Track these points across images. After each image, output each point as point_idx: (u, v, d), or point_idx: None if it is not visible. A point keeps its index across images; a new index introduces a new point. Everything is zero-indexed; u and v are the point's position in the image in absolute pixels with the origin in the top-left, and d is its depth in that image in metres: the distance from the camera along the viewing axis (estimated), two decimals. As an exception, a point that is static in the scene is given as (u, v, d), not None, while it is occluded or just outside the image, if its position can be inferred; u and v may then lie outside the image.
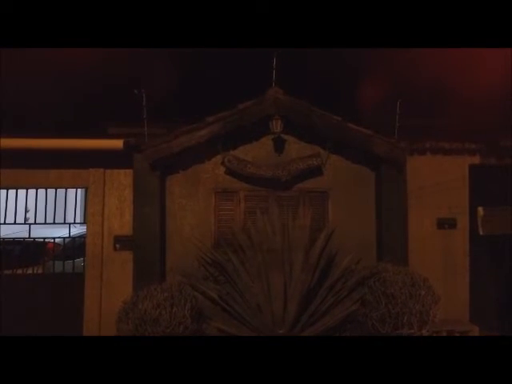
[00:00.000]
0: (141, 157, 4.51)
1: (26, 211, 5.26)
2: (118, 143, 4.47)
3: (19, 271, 4.97)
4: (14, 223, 5.07)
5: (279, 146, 4.81)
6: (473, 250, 5.06)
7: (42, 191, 5.03)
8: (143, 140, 4.50)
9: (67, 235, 5.22)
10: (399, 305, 3.66)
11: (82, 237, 5.19)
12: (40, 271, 5.06)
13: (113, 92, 5.01)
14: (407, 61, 5.23)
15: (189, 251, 4.56)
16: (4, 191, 5.01)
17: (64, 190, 5.04)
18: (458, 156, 5.05)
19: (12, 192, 5.00)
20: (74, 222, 5.21)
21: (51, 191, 5.02)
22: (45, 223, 5.08)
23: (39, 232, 5.35)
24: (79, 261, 5.07)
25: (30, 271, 5.02)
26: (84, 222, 5.07)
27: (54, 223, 5.07)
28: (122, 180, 4.87)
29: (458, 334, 4.51)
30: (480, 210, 5.16)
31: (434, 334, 4.12)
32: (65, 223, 5.22)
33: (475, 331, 4.64)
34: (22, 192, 5.02)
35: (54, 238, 5.25)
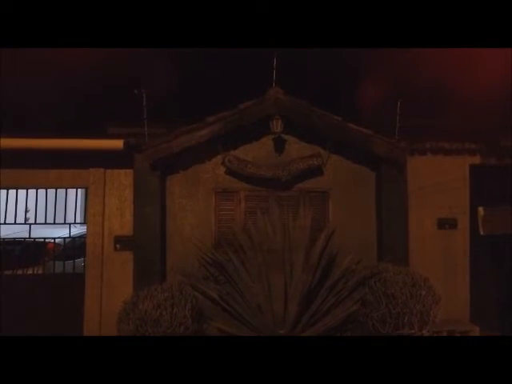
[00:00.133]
0: (141, 157, 4.52)
1: (26, 211, 5.26)
2: (118, 143, 4.47)
3: (19, 271, 4.97)
4: (14, 223, 5.07)
5: (279, 146, 4.81)
6: (473, 250, 5.06)
7: (42, 191, 5.03)
8: (143, 140, 4.50)
9: (67, 235, 5.22)
10: (400, 305, 3.66)
11: (82, 237, 5.19)
12: (40, 271, 5.07)
13: (113, 92, 5.02)
14: (407, 61, 5.23)
15: (189, 251, 4.56)
16: (4, 191, 5.00)
17: (64, 190, 5.04)
18: (458, 156, 5.05)
19: (12, 192, 5.00)
20: (75, 222, 5.21)
21: (51, 191, 5.02)
22: (45, 223, 5.08)
23: (39, 232, 5.35)
24: (79, 261, 5.07)
25: (30, 271, 5.02)
26: (84, 222, 5.07)
27: (54, 223, 5.07)
28: (122, 180, 4.87)
29: (458, 334, 4.51)
30: (480, 210, 5.16)
31: (435, 334, 4.12)
32: (65, 223, 5.21)
33: (476, 331, 4.64)
34: (22, 192, 5.01)
35: (54, 238, 5.25)
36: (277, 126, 4.48)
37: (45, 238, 5.27)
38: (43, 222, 5.05)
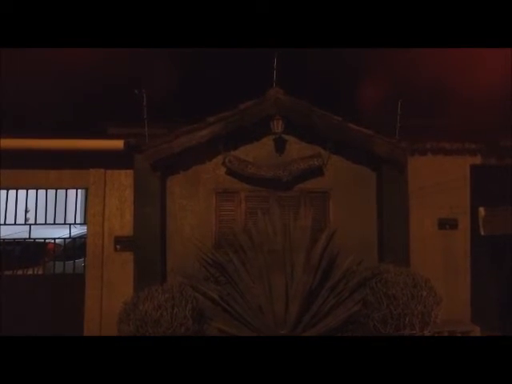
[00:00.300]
0: (141, 157, 4.51)
1: (27, 212, 5.26)
2: (118, 143, 4.46)
3: (20, 272, 4.96)
4: (15, 224, 5.06)
5: (280, 146, 4.80)
6: (474, 250, 5.05)
7: (42, 192, 5.02)
8: (144, 140, 4.50)
9: (68, 236, 5.21)
10: (401, 306, 3.65)
11: (82, 237, 5.19)
12: (40, 272, 5.06)
13: (113, 92, 5.02)
14: (407, 61, 5.23)
15: (189, 252, 4.55)
16: (4, 191, 5.00)
17: (64, 190, 5.03)
18: (458, 156, 5.04)
19: (12, 192, 4.99)
20: (75, 223, 5.21)
21: (51, 191, 5.01)
22: (45, 224, 5.07)
23: (39, 232, 5.34)
24: (80, 261, 5.06)
25: (30, 272, 5.02)
26: (84, 223, 5.07)
27: (54, 224, 5.06)
28: (122, 180, 4.87)
29: (459, 335, 4.50)
30: (481, 210, 5.15)
31: (436, 335, 4.11)
32: (65, 224, 5.22)
33: (476, 331, 4.63)
34: (22, 192, 5.01)
35: (54, 239, 5.24)
36: (277, 126, 4.47)
37: (45, 239, 5.26)
38: (43, 222, 5.05)
